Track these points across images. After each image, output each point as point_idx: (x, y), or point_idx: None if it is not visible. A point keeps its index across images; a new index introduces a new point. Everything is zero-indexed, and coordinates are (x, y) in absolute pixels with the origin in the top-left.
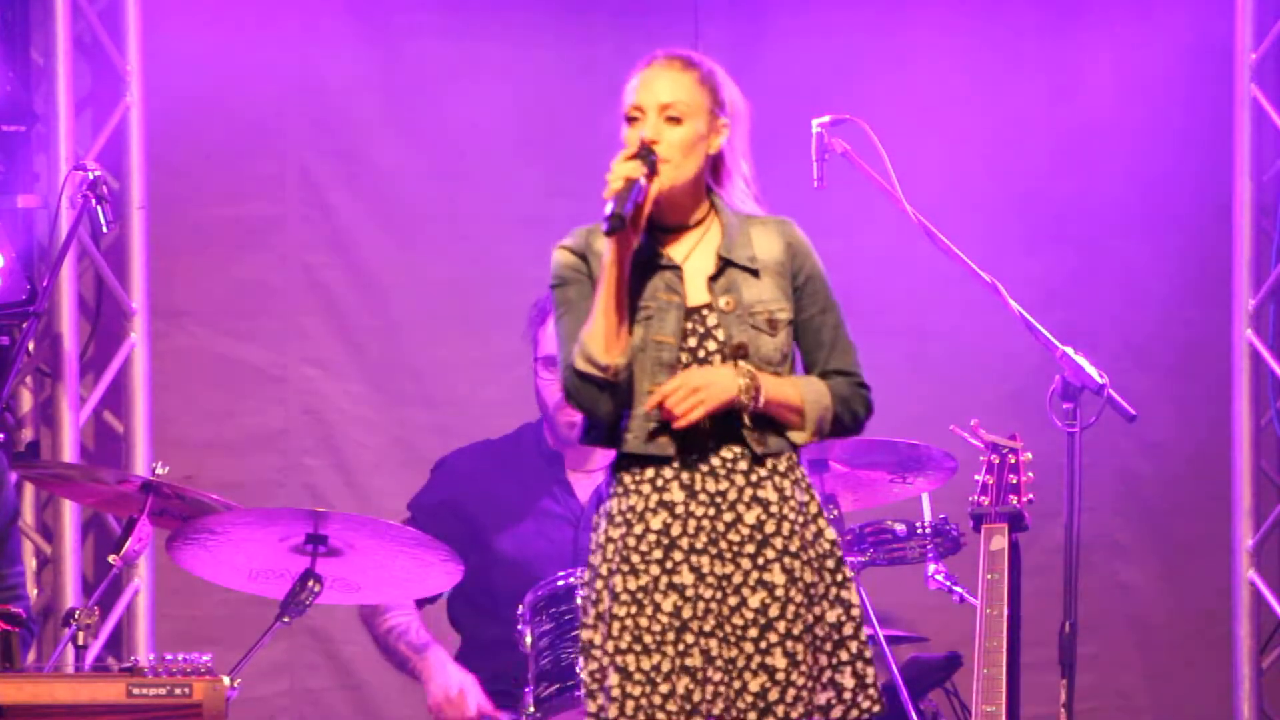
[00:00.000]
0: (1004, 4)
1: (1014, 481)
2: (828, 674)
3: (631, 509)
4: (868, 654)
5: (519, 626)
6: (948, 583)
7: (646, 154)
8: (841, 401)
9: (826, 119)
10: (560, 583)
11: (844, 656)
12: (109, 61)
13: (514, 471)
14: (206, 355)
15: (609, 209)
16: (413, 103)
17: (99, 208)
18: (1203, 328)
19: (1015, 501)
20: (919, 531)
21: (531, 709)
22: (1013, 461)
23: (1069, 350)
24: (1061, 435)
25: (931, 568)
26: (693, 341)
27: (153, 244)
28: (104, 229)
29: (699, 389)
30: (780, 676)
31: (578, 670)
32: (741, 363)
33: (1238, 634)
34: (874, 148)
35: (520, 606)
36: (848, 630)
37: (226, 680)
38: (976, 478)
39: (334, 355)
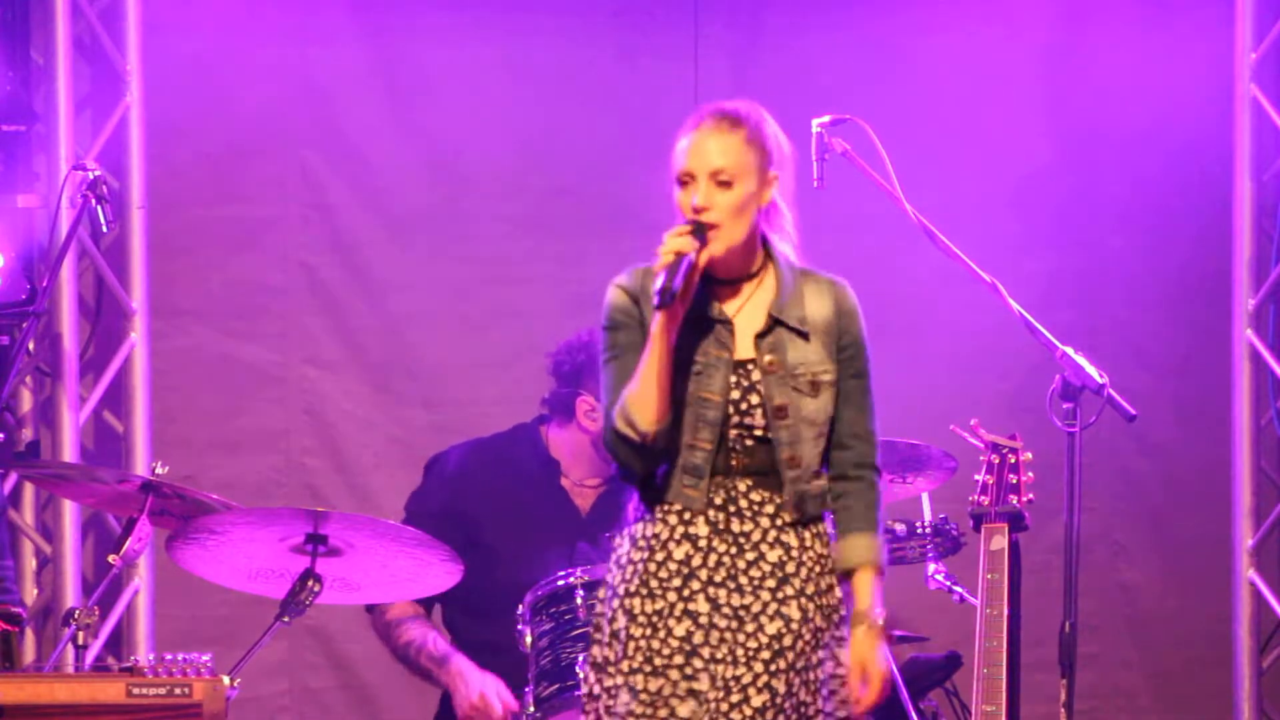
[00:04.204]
0: (1004, 4)
1: (1014, 481)
2: (820, 718)
3: (656, 536)
4: (840, 714)
5: (519, 626)
6: (948, 583)
7: (698, 228)
8: (879, 503)
9: (826, 119)
10: (560, 582)
11: (829, 706)
12: (109, 61)
13: (509, 474)
14: (206, 355)
15: (659, 283)
16: (413, 103)
17: (99, 208)
18: (1203, 328)
19: (1015, 501)
20: (919, 531)
21: (531, 709)
22: (1013, 461)
23: (1069, 350)
24: (1061, 435)
25: (931, 568)
26: (736, 395)
27: (153, 244)
28: (104, 229)
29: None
30: (779, 700)
31: (578, 670)
32: (869, 619)
33: (1238, 634)
34: (874, 148)
35: (520, 606)
36: (835, 685)
37: (226, 680)
38: (976, 478)
39: (334, 355)
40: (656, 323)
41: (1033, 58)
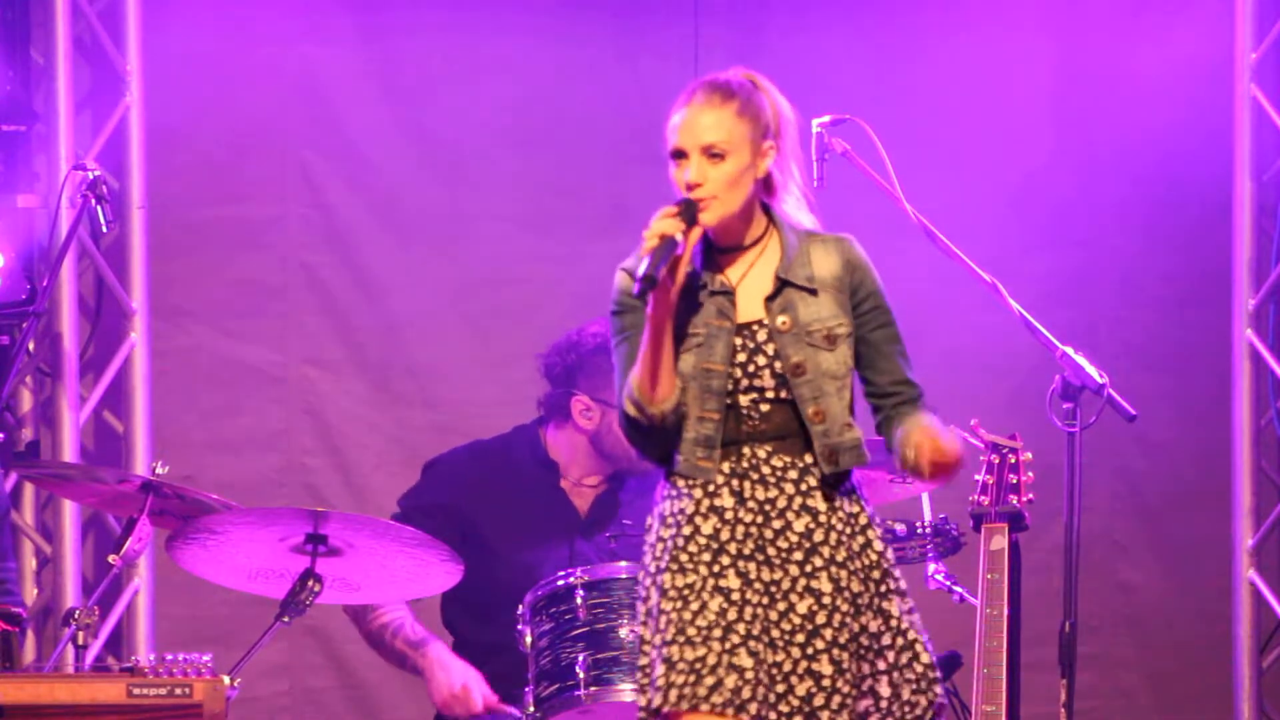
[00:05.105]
0: (1004, 4)
1: (1014, 481)
2: (867, 682)
3: (682, 511)
4: (903, 662)
5: (519, 626)
6: (948, 583)
7: (688, 208)
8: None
9: (826, 119)
10: (560, 582)
11: (881, 666)
12: (109, 61)
13: (509, 475)
14: (206, 355)
15: (642, 269)
16: (413, 102)
17: (99, 208)
18: (1203, 328)
19: (1015, 501)
20: (919, 531)
21: (531, 709)
22: (1013, 461)
23: (1069, 350)
24: (1061, 435)
25: (931, 568)
26: (742, 357)
27: (153, 244)
28: (104, 229)
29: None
30: (826, 683)
31: (577, 670)
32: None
33: (1238, 634)
34: (874, 148)
35: (520, 606)
36: (885, 640)
37: (226, 680)
38: (976, 478)
39: (334, 355)
40: (650, 304)
41: (1033, 58)
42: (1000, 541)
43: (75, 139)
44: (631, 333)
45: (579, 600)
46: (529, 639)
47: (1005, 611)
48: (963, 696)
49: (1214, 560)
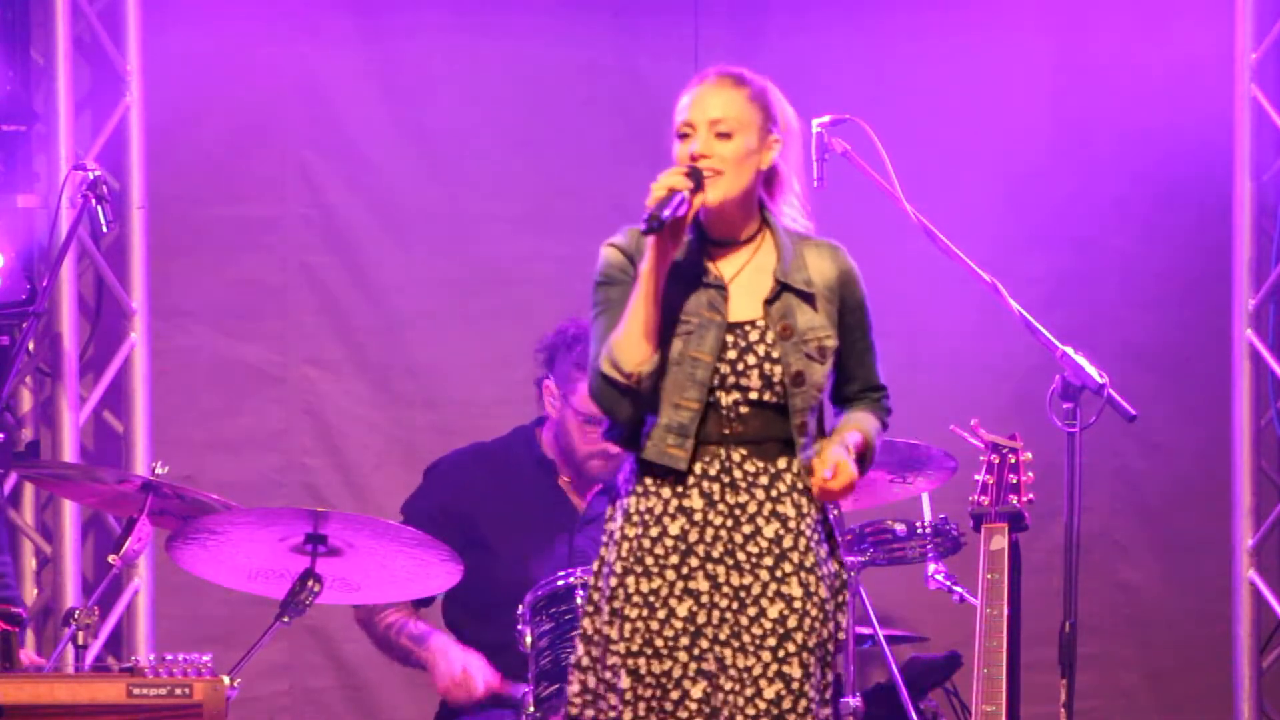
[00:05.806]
0: (1005, 4)
1: (1014, 481)
2: (829, 691)
3: (649, 510)
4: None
5: (519, 626)
6: (948, 583)
7: (695, 173)
8: (882, 427)
9: (826, 119)
10: (560, 583)
11: (829, 678)
12: (109, 61)
13: (508, 476)
14: (206, 355)
15: (648, 212)
16: (413, 102)
17: (99, 208)
18: (1203, 328)
19: (1015, 501)
20: (919, 531)
21: (531, 709)
22: (1013, 461)
23: (1069, 350)
24: (1061, 435)
25: (931, 568)
26: (732, 354)
27: (153, 244)
28: (104, 229)
29: (851, 482)
30: (795, 686)
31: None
32: (855, 437)
33: (1238, 634)
34: (874, 148)
35: (520, 607)
36: (833, 648)
37: (226, 680)
38: (976, 478)
39: (334, 355)
40: (645, 259)
41: (1032, 58)
42: (1000, 541)
43: (75, 139)
44: (614, 304)
45: (579, 600)
46: (529, 639)
47: (1005, 611)
48: (963, 696)
49: (1214, 560)
